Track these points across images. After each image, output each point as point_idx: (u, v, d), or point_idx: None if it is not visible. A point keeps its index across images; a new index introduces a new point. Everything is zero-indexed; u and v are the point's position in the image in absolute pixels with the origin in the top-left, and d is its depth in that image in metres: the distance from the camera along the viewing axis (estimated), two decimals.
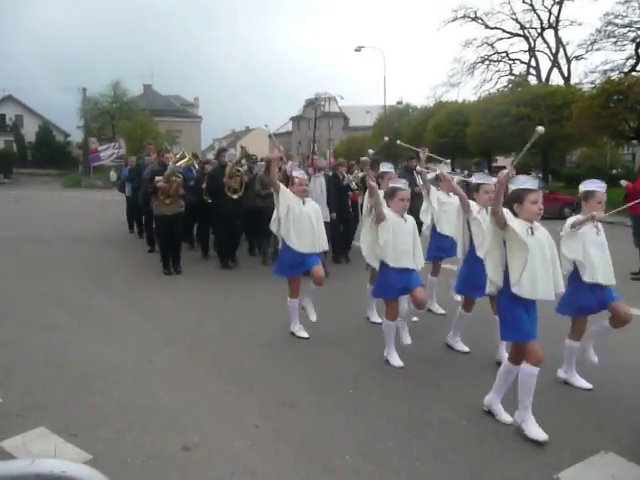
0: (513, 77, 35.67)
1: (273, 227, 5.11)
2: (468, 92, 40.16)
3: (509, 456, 3.04)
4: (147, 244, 10.05)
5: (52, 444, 3.05)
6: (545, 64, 35.90)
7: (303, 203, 4.99)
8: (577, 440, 3.20)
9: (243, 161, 9.25)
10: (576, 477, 2.85)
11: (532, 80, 34.35)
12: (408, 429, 3.32)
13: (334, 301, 6.18)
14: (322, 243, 5.08)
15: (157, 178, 7.65)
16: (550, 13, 34.37)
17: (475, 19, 36.46)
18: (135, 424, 3.34)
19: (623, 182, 8.41)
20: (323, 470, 2.88)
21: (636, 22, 29.39)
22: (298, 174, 5.13)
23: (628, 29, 29.83)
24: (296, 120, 61.62)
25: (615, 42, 30.54)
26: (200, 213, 9.03)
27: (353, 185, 8.69)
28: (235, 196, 8.09)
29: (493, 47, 36.98)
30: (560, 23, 34.26)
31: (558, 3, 33.79)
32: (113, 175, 37.05)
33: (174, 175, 7.70)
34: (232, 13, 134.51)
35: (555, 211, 17.62)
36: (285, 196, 4.92)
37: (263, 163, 9.67)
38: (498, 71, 37.34)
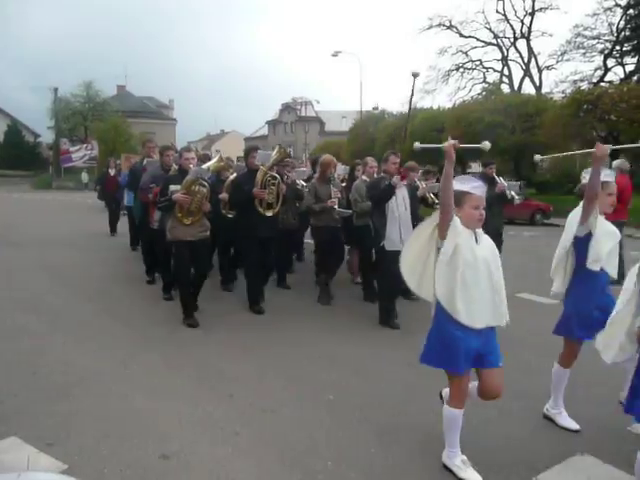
0: (487, 85, 36.29)
1: (411, 280, 3.02)
2: (443, 99, 40.76)
3: (489, 459, 3.06)
4: (146, 273, 7.61)
5: (25, 454, 2.95)
6: (517, 73, 36.67)
7: (476, 240, 2.90)
8: (555, 443, 3.25)
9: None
10: (553, 479, 2.89)
11: (505, 88, 35.01)
12: (389, 434, 3.33)
13: (320, 311, 6.16)
14: (503, 310, 2.93)
15: (172, 187, 5.46)
16: (523, 23, 35.15)
17: (450, 27, 37.01)
18: (111, 432, 3.26)
19: None
20: (305, 477, 2.86)
21: (604, 34, 30.32)
22: (473, 185, 2.92)
23: (597, 41, 30.76)
24: (272, 124, 61.54)
25: (584, 53, 31.47)
26: (218, 234, 6.53)
27: (432, 198, 6.69)
28: (270, 213, 5.99)
29: (467, 55, 37.61)
30: (532, 34, 35.05)
31: (530, 14, 34.56)
32: (85, 177, 36.49)
33: (198, 183, 5.50)
34: (206, 16, 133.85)
35: (527, 217, 18.03)
36: (456, 230, 2.82)
37: (305, 169, 8.33)
38: (472, 79, 37.97)
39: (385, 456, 3.07)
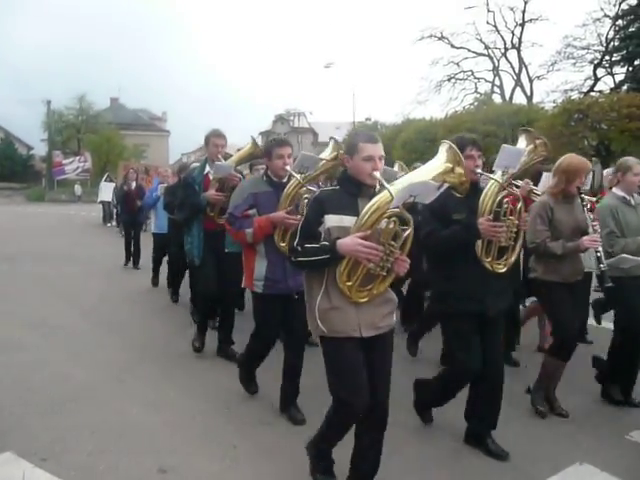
0: (478, 95, 36.61)
1: None
2: (435, 109, 41.12)
3: (488, 470, 3.06)
4: (172, 293, 7.18)
5: (21, 470, 2.93)
6: (509, 83, 37.04)
7: None
8: (553, 453, 3.25)
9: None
10: None
11: (496, 98, 35.34)
12: (387, 445, 3.30)
13: None
14: None
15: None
16: (513, 34, 35.58)
17: (441, 39, 37.39)
18: (108, 447, 3.23)
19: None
20: None
21: (593, 45, 30.75)
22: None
23: (586, 51, 31.18)
24: (265, 135, 61.69)
25: (574, 63, 31.88)
26: None
27: None
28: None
29: (459, 66, 37.96)
30: (522, 44, 35.48)
31: (520, 25, 35.01)
32: (78, 189, 36.38)
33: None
34: (199, 29, 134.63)
35: None
36: None
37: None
38: (464, 89, 38.29)
39: (384, 466, 3.05)
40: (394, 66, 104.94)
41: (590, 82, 30.99)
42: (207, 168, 4.67)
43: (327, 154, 3.68)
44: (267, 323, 3.67)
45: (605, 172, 8.09)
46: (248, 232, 3.53)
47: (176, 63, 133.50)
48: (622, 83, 28.30)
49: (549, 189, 3.83)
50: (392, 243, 2.42)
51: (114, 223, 18.11)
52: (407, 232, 2.42)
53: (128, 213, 9.98)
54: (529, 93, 35.17)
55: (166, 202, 6.46)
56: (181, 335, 5.63)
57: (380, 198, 2.41)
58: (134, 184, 9.96)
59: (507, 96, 35.86)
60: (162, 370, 4.59)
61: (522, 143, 3.46)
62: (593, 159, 22.71)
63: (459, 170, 2.61)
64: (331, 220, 2.51)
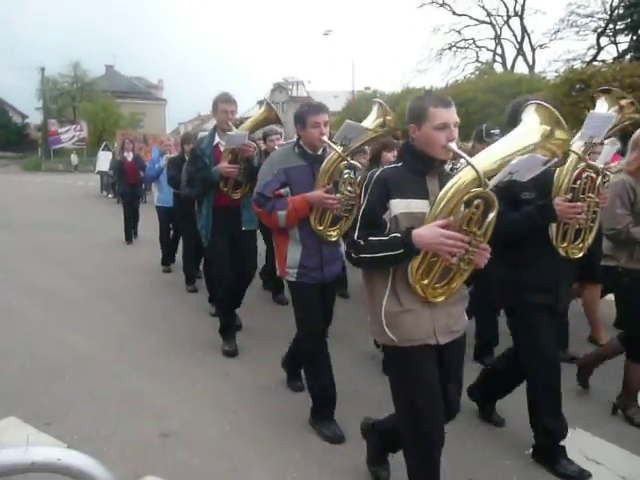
0: (480, 64, 36.07)
1: None
2: (436, 79, 40.60)
3: (484, 437, 3.12)
4: (186, 281, 6.34)
5: (24, 434, 2.98)
6: (510, 52, 36.45)
7: None
8: None
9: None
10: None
11: (498, 68, 34.85)
12: (387, 409, 3.36)
13: None
14: None
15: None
16: (516, 1, 34.82)
17: (443, 5, 36.60)
18: (110, 412, 3.29)
19: None
20: (304, 454, 2.91)
21: (597, 12, 30.14)
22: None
23: (590, 19, 30.58)
24: (263, 104, 61.00)
25: (577, 32, 31.29)
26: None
27: None
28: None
29: (460, 34, 37.24)
30: (525, 12, 34.72)
31: None
32: (74, 158, 36.07)
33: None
34: None
35: None
36: None
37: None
38: (465, 58, 37.66)
39: None
40: (394, 34, 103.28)
41: (593, 51, 30.53)
42: (217, 138, 4.19)
43: (370, 121, 3.09)
44: (309, 315, 3.14)
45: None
46: (281, 214, 3.01)
47: (172, 30, 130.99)
48: (625, 52, 27.87)
49: (627, 166, 3.27)
50: (476, 231, 2.01)
51: (111, 194, 17.71)
52: (491, 217, 2.00)
53: (127, 185, 9.42)
54: (531, 62, 34.67)
55: (170, 175, 5.97)
56: (180, 304, 5.68)
57: (462, 177, 1.97)
58: (131, 155, 9.39)
59: (509, 65, 35.37)
60: (161, 338, 4.63)
61: (602, 107, 2.83)
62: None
63: (561, 134, 2.00)
64: (398, 206, 2.09)
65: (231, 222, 4.15)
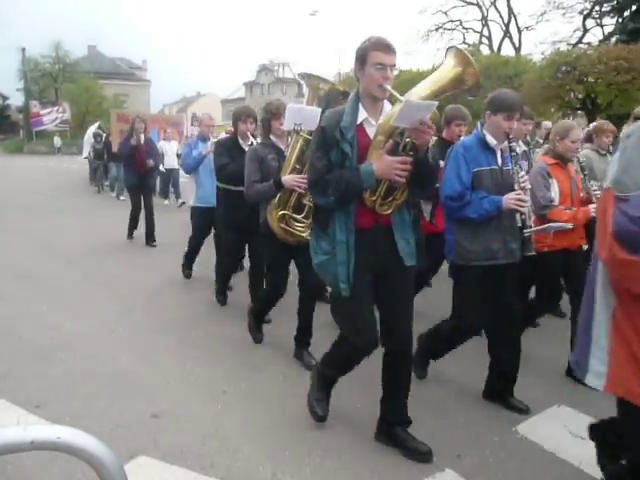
0: (467, 46, 35.93)
1: None
2: (422, 61, 40.40)
3: (473, 412, 3.18)
4: (217, 293, 5.21)
5: (15, 416, 2.98)
6: (497, 34, 36.37)
7: None
8: (533, 396, 3.36)
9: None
10: (532, 429, 3.02)
11: (484, 50, 34.75)
12: (378, 389, 3.40)
13: None
14: None
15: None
16: None
17: None
18: (100, 393, 3.29)
19: None
20: (295, 433, 2.94)
21: None
22: None
23: (576, 1, 30.57)
24: (249, 86, 60.27)
25: (564, 14, 31.36)
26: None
27: None
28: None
29: (447, 15, 37.06)
30: None
31: None
32: (57, 141, 35.49)
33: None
34: None
35: None
36: None
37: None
38: (452, 39, 37.47)
39: (371, 410, 3.15)
40: (380, 14, 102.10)
41: (579, 33, 30.60)
42: (362, 112, 2.55)
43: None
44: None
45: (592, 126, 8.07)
46: None
47: (156, 11, 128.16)
48: (611, 35, 27.92)
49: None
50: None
51: (106, 185, 14.89)
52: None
53: (136, 176, 7.60)
54: (517, 44, 34.63)
55: (218, 165, 4.55)
56: (169, 286, 5.67)
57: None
58: (142, 137, 7.53)
59: (495, 47, 35.28)
60: (150, 320, 4.63)
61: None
62: (578, 113, 22.53)
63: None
64: None
65: (379, 254, 2.62)
